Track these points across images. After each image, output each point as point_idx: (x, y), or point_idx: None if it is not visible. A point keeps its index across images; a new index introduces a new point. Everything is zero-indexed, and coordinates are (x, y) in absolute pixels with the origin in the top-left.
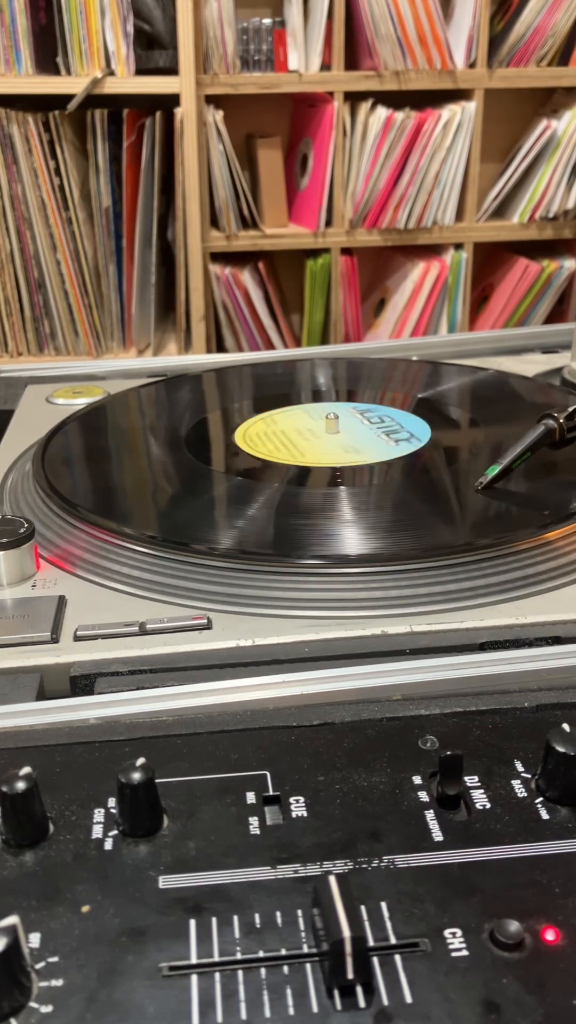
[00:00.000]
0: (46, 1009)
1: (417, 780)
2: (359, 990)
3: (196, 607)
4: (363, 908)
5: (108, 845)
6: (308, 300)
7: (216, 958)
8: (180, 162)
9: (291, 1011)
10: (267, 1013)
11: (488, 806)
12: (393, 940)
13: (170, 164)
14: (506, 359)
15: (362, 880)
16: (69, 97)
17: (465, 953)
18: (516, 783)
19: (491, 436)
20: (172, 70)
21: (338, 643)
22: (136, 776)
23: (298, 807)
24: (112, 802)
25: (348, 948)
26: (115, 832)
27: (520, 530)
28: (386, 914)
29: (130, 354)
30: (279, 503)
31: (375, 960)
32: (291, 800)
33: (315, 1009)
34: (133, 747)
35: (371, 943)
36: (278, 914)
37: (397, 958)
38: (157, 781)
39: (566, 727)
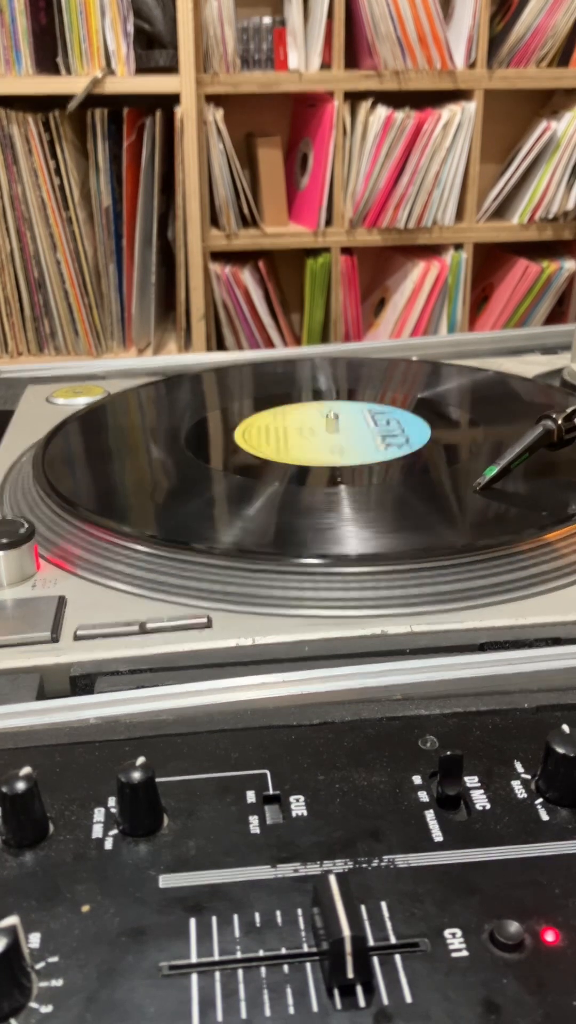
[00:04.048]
0: (46, 1009)
1: (417, 780)
2: (359, 989)
3: (196, 606)
4: (363, 908)
5: (108, 845)
6: (308, 299)
7: (216, 957)
8: (180, 161)
9: (291, 1010)
10: (267, 1012)
11: (488, 807)
12: (393, 940)
13: (170, 164)
14: (506, 360)
15: (362, 880)
16: (69, 97)
17: (465, 953)
18: (516, 784)
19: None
20: (172, 69)
21: (338, 642)
22: (136, 776)
23: (298, 806)
24: (112, 802)
25: (348, 947)
26: (115, 832)
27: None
28: (386, 914)
29: (130, 353)
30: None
31: (375, 960)
32: (291, 799)
33: (315, 1008)
34: (133, 747)
35: (371, 943)
36: (278, 913)
37: (397, 958)
38: (157, 781)
39: (566, 728)
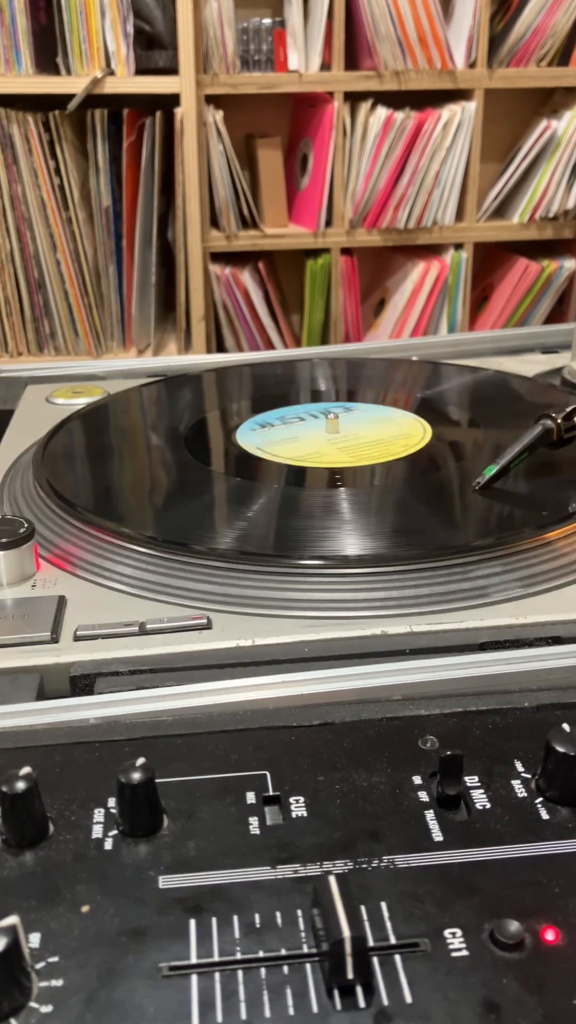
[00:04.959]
0: (46, 1009)
1: (417, 780)
2: (359, 990)
3: (196, 607)
4: (363, 908)
5: (108, 845)
6: (308, 300)
7: (216, 958)
8: (180, 162)
9: (291, 1011)
10: (267, 1013)
11: (488, 806)
12: (393, 940)
13: (170, 164)
14: (506, 359)
15: (362, 880)
16: (69, 97)
17: (465, 953)
18: (516, 783)
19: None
20: (172, 70)
21: (338, 643)
22: (136, 776)
23: (298, 807)
24: (112, 802)
25: (348, 948)
26: (115, 832)
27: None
28: (386, 914)
29: (130, 354)
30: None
31: (375, 960)
32: (291, 800)
33: (315, 1009)
34: (133, 747)
35: (371, 943)
36: (278, 914)
37: (397, 958)
38: (157, 781)
39: (566, 727)
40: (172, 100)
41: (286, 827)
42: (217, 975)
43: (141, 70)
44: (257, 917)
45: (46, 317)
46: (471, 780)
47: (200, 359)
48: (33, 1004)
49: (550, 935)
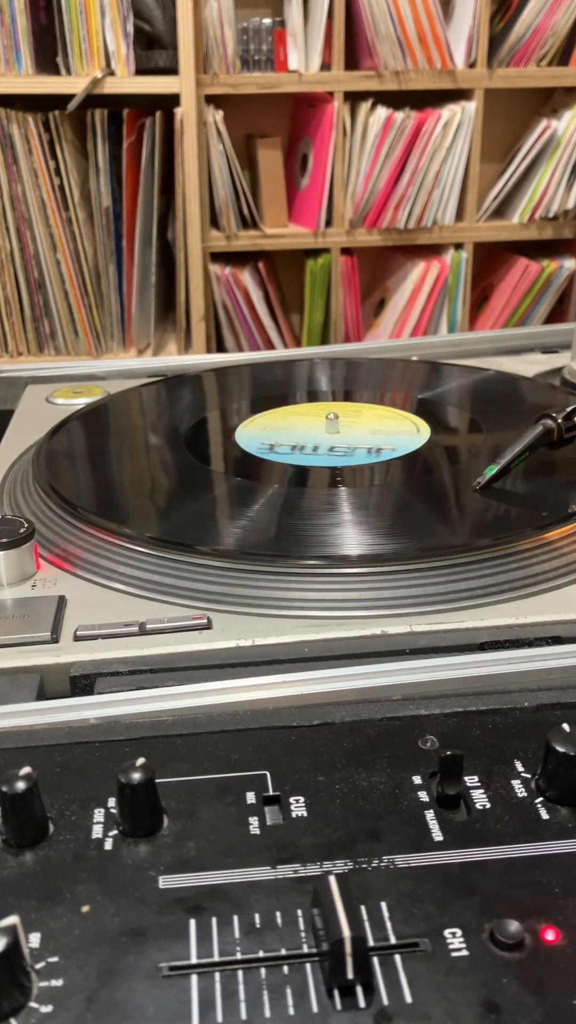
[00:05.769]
0: (46, 1009)
1: (417, 780)
2: (359, 990)
3: (196, 607)
4: (363, 908)
5: (108, 845)
6: (308, 300)
7: (216, 958)
8: (180, 162)
9: (291, 1011)
10: (267, 1013)
11: (488, 806)
12: (393, 940)
13: (170, 164)
14: (506, 359)
15: (362, 880)
16: (69, 97)
17: (465, 953)
18: (516, 783)
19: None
20: (172, 70)
21: (338, 643)
22: (136, 776)
23: (298, 807)
24: (112, 802)
25: (348, 948)
26: (115, 832)
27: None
28: (386, 914)
29: (130, 354)
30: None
31: (375, 960)
32: (291, 800)
33: (315, 1009)
34: (133, 747)
35: (371, 943)
36: (278, 914)
37: (397, 958)
38: (157, 781)
39: (566, 727)
40: (172, 100)
41: (286, 827)
42: (217, 975)
43: (141, 70)
44: (257, 917)
45: (46, 317)
46: (471, 780)
47: (200, 359)
48: (33, 1004)
49: (550, 935)
